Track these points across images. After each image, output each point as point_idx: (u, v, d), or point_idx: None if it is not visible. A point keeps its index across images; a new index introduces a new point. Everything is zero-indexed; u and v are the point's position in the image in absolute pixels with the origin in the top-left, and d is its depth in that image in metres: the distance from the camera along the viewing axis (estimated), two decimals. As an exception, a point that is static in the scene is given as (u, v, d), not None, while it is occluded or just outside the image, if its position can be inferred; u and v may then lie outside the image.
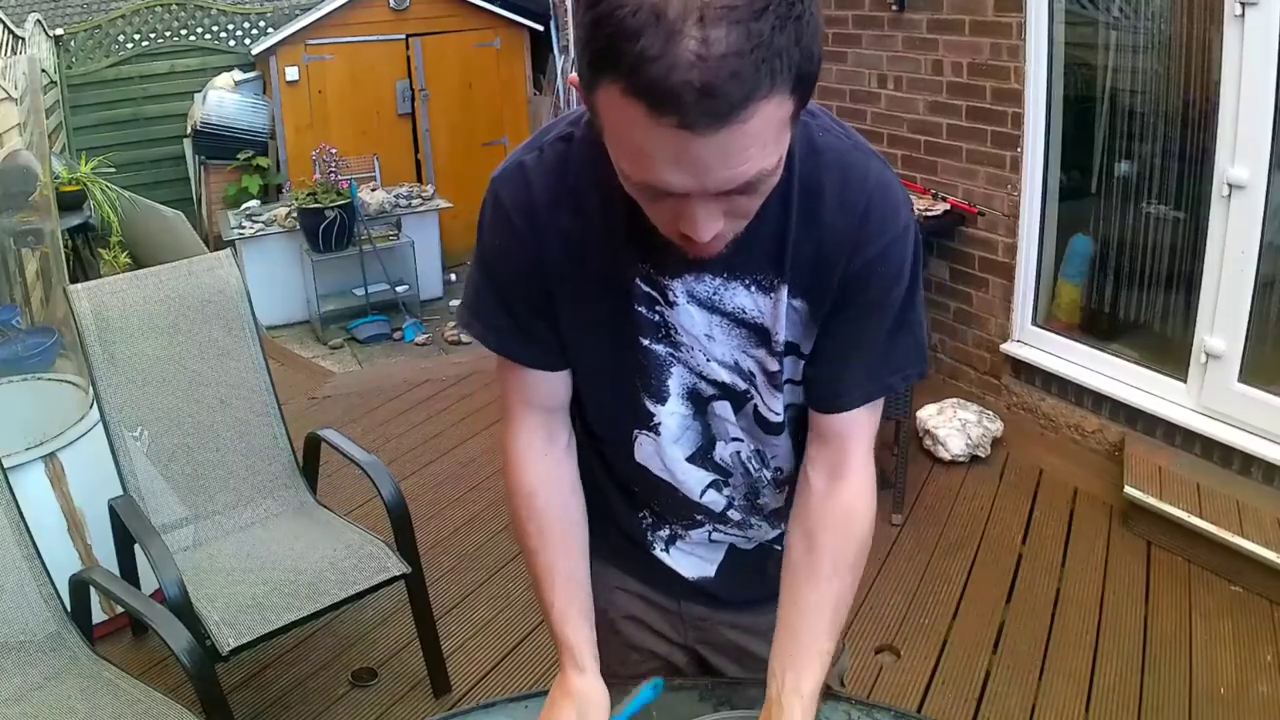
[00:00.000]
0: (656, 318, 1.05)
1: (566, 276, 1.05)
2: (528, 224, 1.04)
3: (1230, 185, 2.84)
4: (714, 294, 1.02)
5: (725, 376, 1.08)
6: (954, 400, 3.64)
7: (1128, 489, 3.00)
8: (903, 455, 3.11)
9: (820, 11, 0.79)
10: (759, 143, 0.78)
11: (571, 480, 1.18)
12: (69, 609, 2.06)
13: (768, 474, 1.17)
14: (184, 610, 2.00)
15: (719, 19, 0.72)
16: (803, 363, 1.08)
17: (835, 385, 1.06)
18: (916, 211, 3.61)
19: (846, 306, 1.02)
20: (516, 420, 1.15)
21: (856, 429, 1.08)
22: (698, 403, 1.11)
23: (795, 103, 0.79)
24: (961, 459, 3.43)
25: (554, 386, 1.14)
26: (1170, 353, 3.22)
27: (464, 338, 6.04)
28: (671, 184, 0.81)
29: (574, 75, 0.84)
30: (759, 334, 1.05)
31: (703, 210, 0.84)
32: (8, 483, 2.04)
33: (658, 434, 1.12)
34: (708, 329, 1.05)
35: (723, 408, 1.10)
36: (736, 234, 0.92)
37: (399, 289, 6.52)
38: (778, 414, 1.11)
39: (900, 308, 1.04)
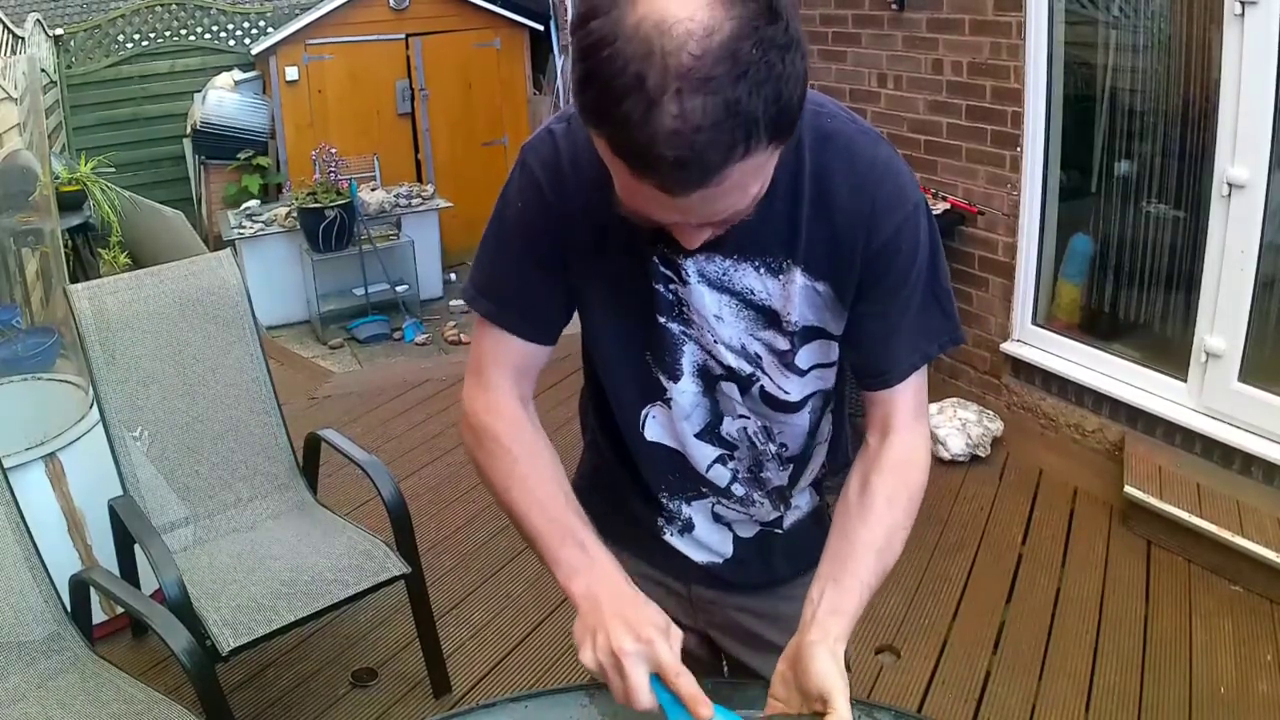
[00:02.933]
0: (671, 295, 1.08)
1: (587, 245, 1.08)
2: (554, 185, 1.06)
3: (1230, 185, 2.84)
4: (724, 274, 1.05)
5: (731, 360, 1.10)
6: (954, 400, 3.64)
7: (1128, 489, 3.00)
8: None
9: (803, 51, 0.79)
10: (739, 189, 0.82)
11: (544, 436, 1.16)
12: (69, 609, 2.06)
13: (772, 448, 1.19)
14: (184, 610, 2.00)
15: (696, 90, 0.74)
16: (834, 345, 1.11)
17: (879, 367, 1.11)
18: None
19: (873, 289, 1.05)
20: (492, 383, 1.15)
21: (902, 393, 1.11)
22: (707, 380, 1.13)
23: (775, 146, 0.82)
24: (961, 459, 3.43)
25: (537, 358, 1.16)
26: (1170, 352, 3.22)
27: (464, 337, 6.05)
28: (660, 220, 0.87)
29: None
30: (768, 316, 1.07)
31: (691, 229, 0.91)
32: (8, 483, 2.04)
33: (669, 407, 1.15)
34: (717, 309, 1.07)
35: (729, 388, 1.13)
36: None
37: (399, 289, 6.52)
38: (789, 393, 1.13)
39: (925, 280, 1.07)
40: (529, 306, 1.12)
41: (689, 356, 1.11)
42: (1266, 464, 2.85)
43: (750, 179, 0.82)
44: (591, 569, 1.05)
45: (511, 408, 1.15)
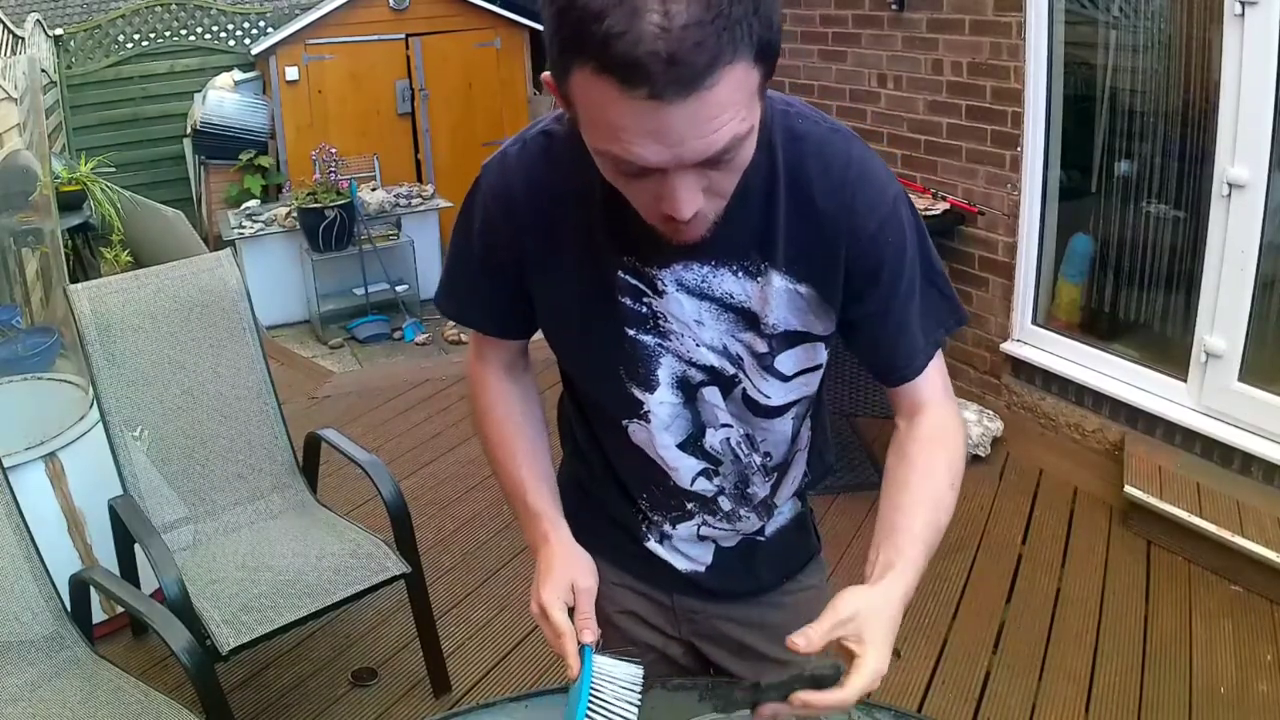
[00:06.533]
0: (644, 309, 1.07)
1: (543, 266, 1.09)
2: (503, 211, 1.09)
3: (1230, 185, 2.84)
4: (702, 281, 1.05)
5: (713, 360, 1.09)
6: (954, 400, 3.64)
7: (1128, 489, 3.00)
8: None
9: None
10: (728, 109, 0.81)
11: (533, 395, 1.28)
12: (69, 609, 2.06)
13: (757, 459, 1.18)
14: (184, 610, 2.01)
15: None
16: (820, 347, 1.10)
17: (894, 362, 1.11)
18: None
19: (869, 289, 1.05)
20: (483, 356, 1.25)
21: (925, 381, 1.12)
22: (687, 390, 1.12)
23: (761, 72, 0.83)
24: (961, 459, 3.42)
25: (516, 343, 1.24)
26: (1170, 352, 3.22)
27: (463, 336, 6.06)
28: (648, 158, 0.83)
29: (546, 74, 0.87)
30: (747, 318, 1.07)
31: (682, 185, 0.86)
32: (8, 483, 2.04)
33: (648, 421, 1.14)
34: (697, 314, 1.07)
35: (711, 393, 1.12)
36: (717, 215, 0.94)
37: (399, 288, 6.53)
38: (769, 397, 1.12)
39: (920, 268, 1.08)
40: (490, 311, 1.19)
41: (666, 369, 1.10)
42: (1266, 464, 2.85)
43: (737, 98, 0.81)
44: (533, 527, 1.17)
45: (494, 379, 1.24)
